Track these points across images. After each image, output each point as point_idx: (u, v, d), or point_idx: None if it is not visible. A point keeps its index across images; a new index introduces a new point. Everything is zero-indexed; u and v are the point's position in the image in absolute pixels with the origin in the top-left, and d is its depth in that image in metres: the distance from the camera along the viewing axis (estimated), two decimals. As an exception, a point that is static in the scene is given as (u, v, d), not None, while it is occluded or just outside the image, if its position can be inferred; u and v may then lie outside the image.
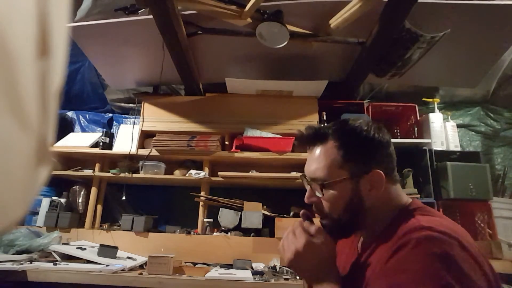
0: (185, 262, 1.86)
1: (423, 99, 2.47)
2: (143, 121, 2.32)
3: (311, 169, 0.74)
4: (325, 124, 0.78)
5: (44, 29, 0.30)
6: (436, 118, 2.28)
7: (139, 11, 1.71)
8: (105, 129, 2.68)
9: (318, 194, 0.73)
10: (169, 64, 2.09)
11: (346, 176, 0.70)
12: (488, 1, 1.72)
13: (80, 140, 2.39)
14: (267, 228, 2.05)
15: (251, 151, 2.18)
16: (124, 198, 2.31)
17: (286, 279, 1.62)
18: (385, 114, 2.47)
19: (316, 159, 0.74)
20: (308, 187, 0.77)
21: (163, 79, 2.28)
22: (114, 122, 2.82)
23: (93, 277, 1.53)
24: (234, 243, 1.98)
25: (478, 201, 2.08)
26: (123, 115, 2.82)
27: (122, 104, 2.80)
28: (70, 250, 1.80)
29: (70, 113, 2.83)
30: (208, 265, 1.89)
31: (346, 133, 0.74)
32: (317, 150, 0.74)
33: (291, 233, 0.73)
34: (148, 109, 2.35)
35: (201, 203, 2.21)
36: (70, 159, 2.36)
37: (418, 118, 2.36)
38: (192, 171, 2.20)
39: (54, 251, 1.80)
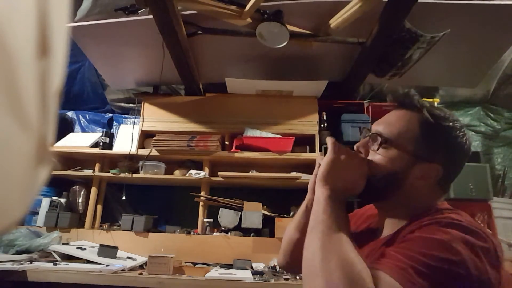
0: (185, 262, 1.86)
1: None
2: (143, 121, 2.32)
3: (383, 125, 0.72)
4: (418, 99, 0.73)
5: (44, 29, 0.30)
6: (436, 118, 2.28)
7: (139, 11, 1.71)
8: (105, 129, 2.68)
9: (373, 147, 0.70)
10: (169, 64, 2.09)
11: (410, 150, 0.68)
12: (488, 1, 1.72)
13: (80, 140, 2.39)
14: (267, 228, 2.05)
15: (251, 151, 2.18)
16: (124, 198, 2.31)
17: (286, 279, 1.62)
18: (385, 114, 2.46)
19: (395, 119, 0.72)
20: (366, 139, 0.74)
21: (163, 79, 2.28)
22: (114, 122, 2.82)
23: (93, 277, 1.53)
24: (234, 243, 1.98)
25: (478, 201, 2.08)
26: (123, 115, 2.82)
27: (122, 104, 2.80)
28: (70, 250, 1.80)
29: (70, 113, 2.83)
30: (208, 265, 1.89)
31: (438, 118, 0.69)
32: (402, 113, 0.72)
33: (348, 152, 0.70)
34: (148, 109, 2.35)
35: (201, 203, 2.21)
36: (70, 159, 2.36)
37: (418, 118, 2.36)
38: (192, 171, 2.20)
39: (54, 251, 1.80)
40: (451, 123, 0.69)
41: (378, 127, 0.73)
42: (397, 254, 0.56)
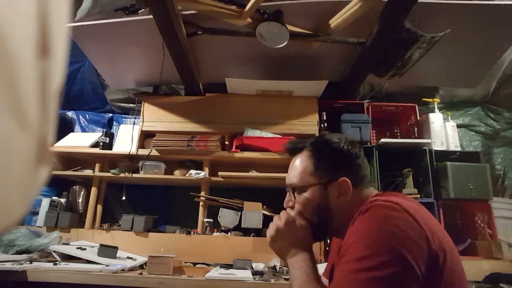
0: (185, 262, 1.86)
1: (423, 99, 2.47)
2: (143, 121, 2.32)
3: (289, 176, 0.84)
4: (305, 139, 0.89)
5: (44, 29, 0.30)
6: (436, 118, 2.28)
7: (139, 11, 1.71)
8: (105, 129, 2.68)
9: (292, 198, 0.83)
10: (169, 64, 2.09)
11: (316, 182, 0.79)
12: (488, 1, 1.72)
13: (80, 140, 2.39)
14: (267, 228, 2.04)
15: (251, 151, 2.18)
16: (124, 198, 2.31)
17: (286, 279, 1.62)
18: (385, 114, 2.47)
19: (293, 168, 0.84)
20: (287, 194, 0.86)
21: (163, 79, 2.28)
22: (114, 122, 2.82)
23: (93, 277, 1.53)
24: (234, 243, 1.98)
25: (478, 201, 2.08)
26: (123, 115, 2.82)
27: (122, 104, 2.80)
28: (70, 250, 1.80)
29: (70, 113, 2.82)
30: (208, 265, 1.89)
31: (318, 144, 0.83)
32: (295, 160, 0.84)
33: (277, 216, 0.84)
34: (148, 109, 2.35)
35: (201, 203, 2.21)
36: (70, 159, 2.36)
37: (418, 118, 2.36)
38: (192, 171, 2.20)
39: (54, 251, 1.80)
40: (328, 141, 0.81)
41: (287, 179, 0.85)
42: (340, 266, 0.63)
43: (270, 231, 0.84)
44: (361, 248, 0.60)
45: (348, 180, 0.76)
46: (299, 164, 0.82)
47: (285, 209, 0.86)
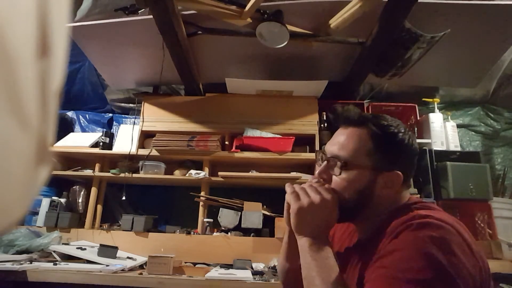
0: (185, 262, 1.86)
1: (423, 99, 2.47)
2: (143, 121, 2.32)
3: (337, 146, 0.74)
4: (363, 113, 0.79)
5: (44, 29, 0.30)
6: (436, 118, 2.28)
7: (139, 11, 1.71)
8: (105, 129, 2.68)
9: (334, 171, 0.73)
10: (169, 64, 2.09)
11: (369, 165, 0.71)
12: (488, 1, 1.72)
13: (80, 140, 2.39)
14: (267, 228, 2.05)
15: (251, 151, 2.18)
16: (124, 198, 2.31)
17: (286, 279, 1.62)
18: (385, 114, 2.47)
19: (346, 139, 0.74)
20: (324, 163, 0.76)
21: (163, 79, 2.28)
22: (114, 122, 2.82)
23: (93, 277, 1.53)
24: (234, 243, 1.98)
25: (478, 201, 2.08)
26: (123, 115, 2.82)
27: (122, 104, 2.80)
28: (70, 250, 1.80)
29: (70, 113, 2.82)
30: (208, 265, 1.89)
31: (384, 127, 0.74)
32: (350, 131, 0.74)
33: (310, 186, 0.73)
34: (148, 109, 2.35)
35: (201, 203, 2.21)
36: (70, 159, 2.36)
37: (418, 118, 2.36)
38: (192, 171, 2.20)
39: (54, 251, 1.80)
40: (395, 129, 0.73)
41: (332, 149, 0.75)
42: (381, 278, 0.59)
43: (303, 200, 0.70)
44: (416, 269, 0.56)
45: (401, 175, 0.70)
46: (356, 139, 0.73)
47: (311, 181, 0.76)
